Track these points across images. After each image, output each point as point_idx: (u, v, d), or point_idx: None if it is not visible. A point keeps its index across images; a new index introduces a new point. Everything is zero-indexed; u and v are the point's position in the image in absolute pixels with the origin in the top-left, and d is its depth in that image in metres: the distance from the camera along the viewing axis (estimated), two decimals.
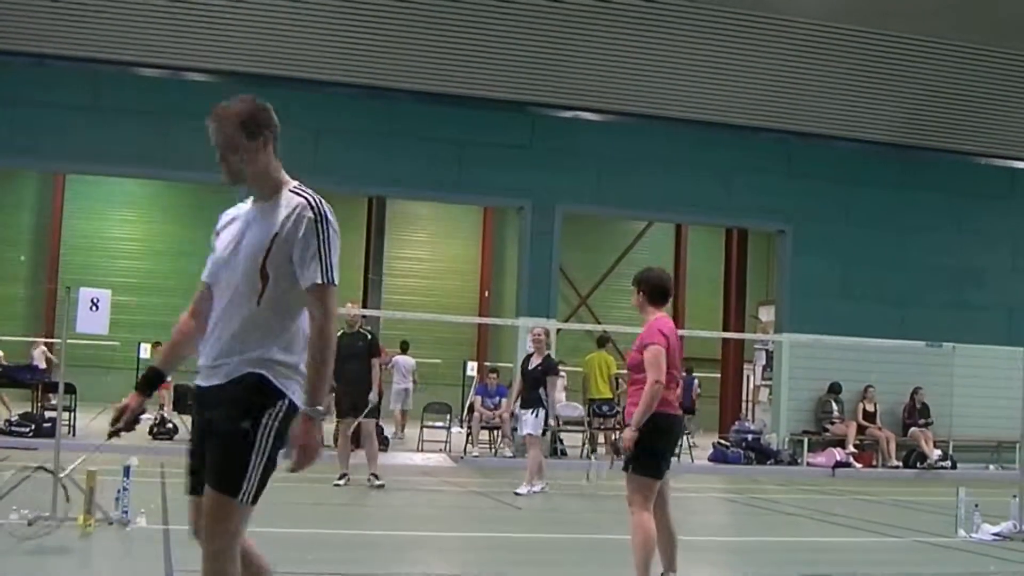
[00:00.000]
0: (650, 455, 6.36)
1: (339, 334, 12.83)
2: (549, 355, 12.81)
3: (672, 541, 6.51)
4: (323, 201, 3.80)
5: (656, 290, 6.61)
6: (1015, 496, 10.08)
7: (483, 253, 32.56)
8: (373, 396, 12.61)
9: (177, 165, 17.14)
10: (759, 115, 18.91)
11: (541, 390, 12.57)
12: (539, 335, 12.84)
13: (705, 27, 17.12)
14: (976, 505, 10.04)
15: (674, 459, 20.07)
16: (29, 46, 16.37)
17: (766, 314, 23.06)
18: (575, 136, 18.55)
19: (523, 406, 12.74)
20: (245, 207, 3.90)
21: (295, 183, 3.86)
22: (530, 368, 12.59)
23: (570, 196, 18.56)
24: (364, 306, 17.86)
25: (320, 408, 3.69)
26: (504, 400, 17.18)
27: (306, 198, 3.77)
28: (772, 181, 19.37)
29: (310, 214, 3.71)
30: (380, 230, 26.38)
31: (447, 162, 17.98)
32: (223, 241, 3.86)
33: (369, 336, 13.06)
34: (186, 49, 16.72)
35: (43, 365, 19.72)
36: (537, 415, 12.53)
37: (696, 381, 22.83)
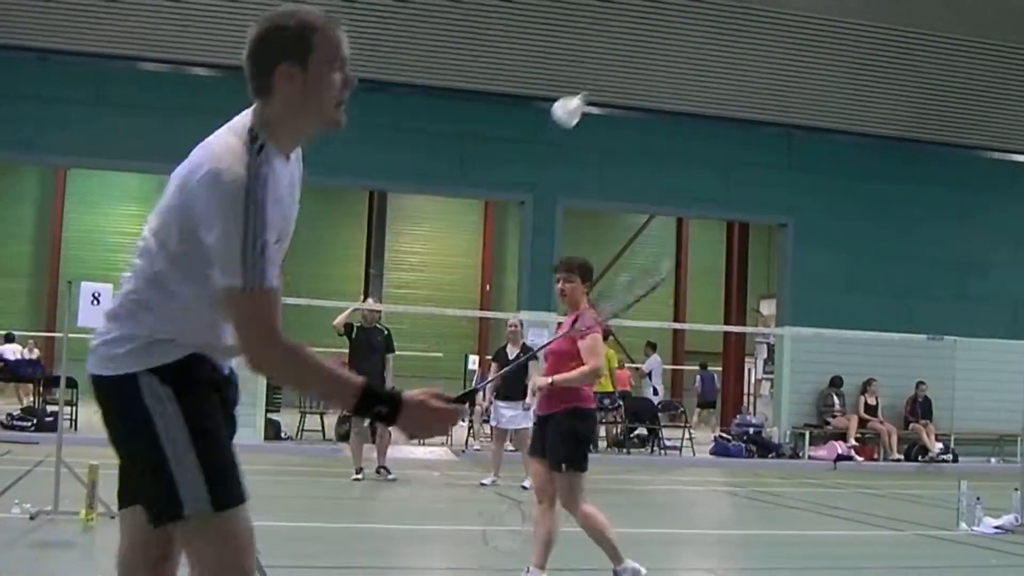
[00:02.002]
0: (584, 450, 6.35)
1: (357, 327, 12.87)
2: (525, 344, 12.80)
3: (551, 539, 6.36)
4: None
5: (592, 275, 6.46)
6: (1016, 489, 10.08)
7: (484, 247, 32.57)
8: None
9: (180, 160, 16.67)
10: (761, 108, 18.89)
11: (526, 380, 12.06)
12: (515, 326, 12.75)
13: (707, 21, 17.08)
14: (978, 498, 10.03)
15: (676, 452, 19.94)
16: (32, 41, 16.35)
17: (767, 307, 23.05)
18: (576, 130, 18.38)
19: (506, 398, 12.52)
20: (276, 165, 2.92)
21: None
22: (511, 359, 12.28)
23: (571, 190, 18.54)
24: (365, 300, 17.86)
25: None
26: None
27: None
28: (774, 174, 19.34)
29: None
30: (381, 224, 26.50)
31: (448, 156, 17.95)
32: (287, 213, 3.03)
33: (386, 332, 13.15)
34: (189, 44, 16.69)
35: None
36: (528, 408, 12.24)
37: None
